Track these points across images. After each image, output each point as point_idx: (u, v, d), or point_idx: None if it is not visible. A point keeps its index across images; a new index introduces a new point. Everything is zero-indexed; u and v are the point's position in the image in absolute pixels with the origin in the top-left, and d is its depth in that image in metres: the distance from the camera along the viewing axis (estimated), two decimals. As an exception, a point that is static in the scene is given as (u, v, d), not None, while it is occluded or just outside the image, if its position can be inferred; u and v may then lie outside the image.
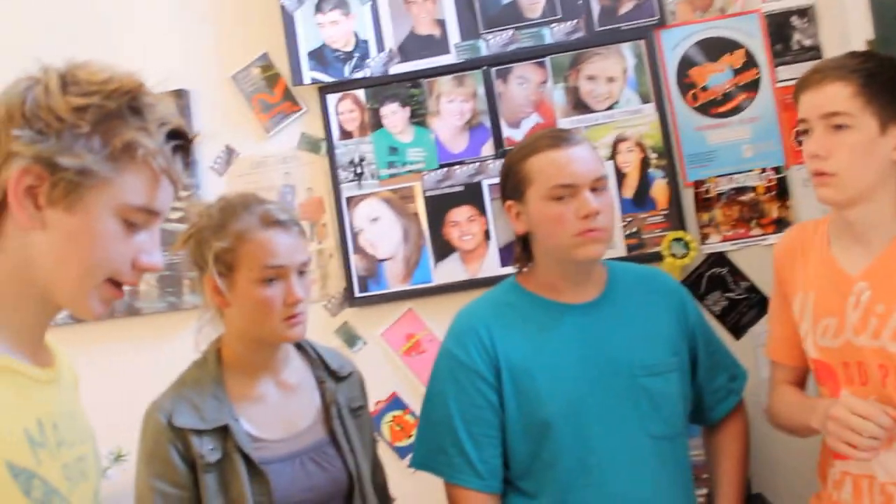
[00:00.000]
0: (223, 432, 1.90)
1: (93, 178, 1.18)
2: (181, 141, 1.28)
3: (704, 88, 2.75)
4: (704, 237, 2.74)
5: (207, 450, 1.88)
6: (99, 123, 1.18)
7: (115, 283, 1.25)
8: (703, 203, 2.74)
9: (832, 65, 1.92)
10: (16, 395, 1.18)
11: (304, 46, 2.89)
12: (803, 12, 2.72)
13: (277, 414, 2.00)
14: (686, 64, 2.76)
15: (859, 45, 2.47)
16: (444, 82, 2.85)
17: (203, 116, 2.96)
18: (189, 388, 1.96)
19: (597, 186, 2.07)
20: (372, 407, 2.32)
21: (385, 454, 2.32)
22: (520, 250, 2.23)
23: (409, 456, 2.75)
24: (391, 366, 2.85)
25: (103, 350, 2.88)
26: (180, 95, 2.93)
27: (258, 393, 2.00)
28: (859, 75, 1.86)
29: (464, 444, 2.10)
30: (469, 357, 2.12)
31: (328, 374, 2.09)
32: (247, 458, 1.89)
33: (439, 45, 2.86)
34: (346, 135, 2.88)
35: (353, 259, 2.85)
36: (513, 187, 2.16)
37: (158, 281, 2.92)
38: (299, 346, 2.12)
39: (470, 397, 2.11)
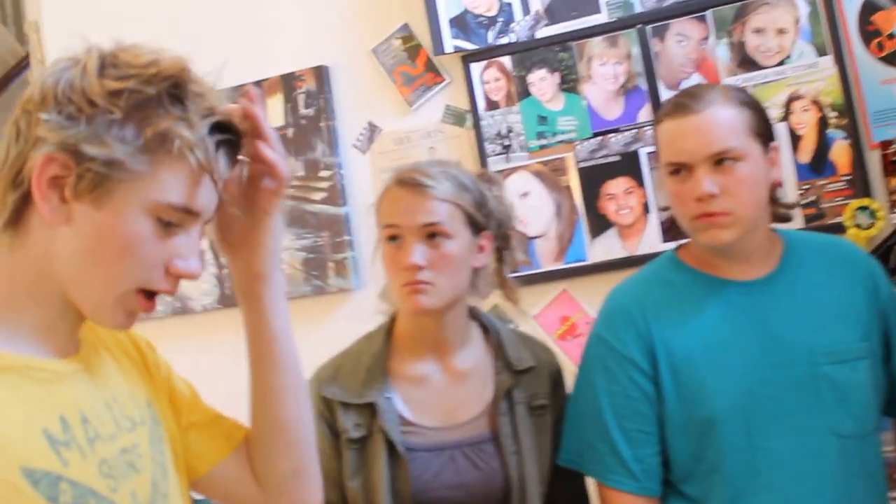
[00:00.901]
0: (372, 409, 1.88)
1: (123, 170, 1.10)
2: (228, 135, 1.18)
3: (891, 36, 2.51)
4: (894, 205, 2.49)
5: (352, 425, 1.88)
6: (133, 110, 1.10)
7: (147, 294, 1.17)
8: (892, 166, 2.49)
9: None
10: (29, 394, 1.11)
11: (445, 14, 2.81)
12: None
13: (439, 400, 1.93)
14: (869, 8, 2.53)
15: None
16: (596, 44, 2.71)
17: (344, 92, 2.95)
18: (350, 360, 1.97)
19: (720, 161, 1.81)
20: (566, 400, 2.13)
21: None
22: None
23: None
24: (545, 351, 2.71)
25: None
26: (320, 72, 2.91)
27: (421, 374, 1.94)
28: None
29: (615, 441, 1.89)
30: (621, 342, 1.91)
31: (505, 364, 1.95)
32: (390, 442, 1.85)
33: (589, 4, 2.73)
34: (492, 105, 2.79)
35: (504, 238, 2.73)
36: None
37: (303, 264, 2.88)
38: (486, 330, 2.02)
39: (622, 388, 1.90)
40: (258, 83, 2.95)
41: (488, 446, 1.89)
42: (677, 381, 1.86)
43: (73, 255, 1.13)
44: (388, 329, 1.98)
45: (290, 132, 2.93)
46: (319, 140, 2.90)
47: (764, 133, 1.86)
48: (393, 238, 1.87)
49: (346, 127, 2.93)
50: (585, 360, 1.99)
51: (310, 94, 2.92)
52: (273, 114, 2.94)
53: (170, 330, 2.83)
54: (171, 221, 1.14)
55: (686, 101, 1.85)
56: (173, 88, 1.12)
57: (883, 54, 2.51)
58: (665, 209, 2.57)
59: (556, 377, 2.02)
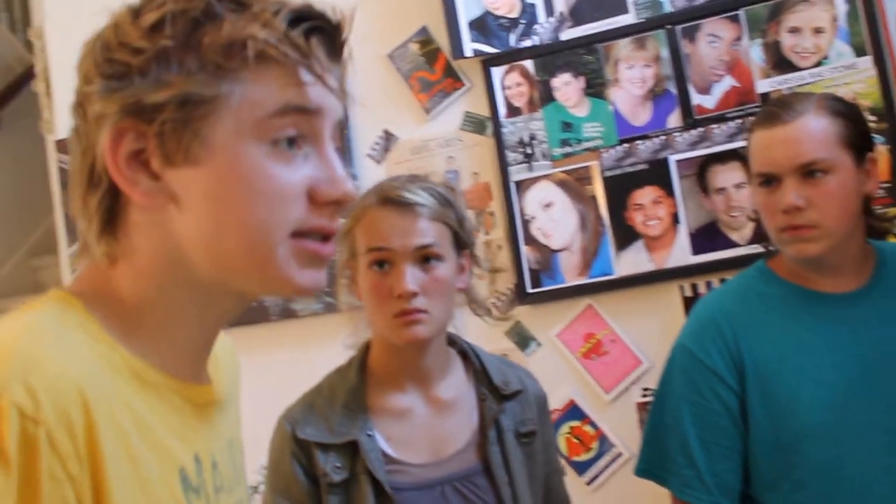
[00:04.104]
0: (353, 449, 1.80)
1: (203, 104, 0.95)
2: (316, 22, 1.00)
3: (934, 35, 2.50)
4: (937, 213, 2.48)
5: (332, 467, 1.79)
6: (186, 34, 0.96)
7: (310, 236, 1.00)
8: (936, 172, 2.48)
9: None
10: (170, 421, 0.99)
11: (465, 16, 2.82)
12: None
13: (424, 433, 1.86)
14: (910, 7, 2.52)
15: None
16: (623, 46, 2.72)
17: (358, 100, 2.94)
18: (323, 397, 1.87)
19: (809, 173, 1.86)
20: (552, 427, 2.17)
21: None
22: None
23: (589, 472, 2.66)
24: (568, 370, 2.73)
25: (254, 356, 2.87)
26: (334, 78, 2.92)
27: (403, 407, 1.87)
28: None
29: (694, 454, 1.94)
30: (708, 355, 1.96)
31: (490, 389, 1.92)
32: (376, 482, 1.78)
33: (616, 4, 2.74)
34: (513, 112, 2.79)
35: (525, 251, 2.75)
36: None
37: (316, 281, 2.90)
38: (464, 356, 1.98)
39: (706, 401, 1.95)
40: (269, 90, 2.97)
41: (479, 479, 1.84)
42: (765, 394, 1.91)
43: (200, 232, 0.98)
44: (362, 361, 1.92)
45: (302, 141, 2.95)
46: (333, 149, 2.92)
47: (859, 144, 1.90)
48: (379, 263, 1.80)
49: (360, 135, 2.94)
50: (668, 371, 2.04)
51: (323, 101, 2.94)
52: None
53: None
54: (287, 136, 0.98)
55: (777, 111, 1.91)
56: None
57: (926, 54, 2.50)
58: (755, 219, 2.55)
59: (542, 403, 2.00)
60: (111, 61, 0.96)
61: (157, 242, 0.98)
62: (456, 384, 1.92)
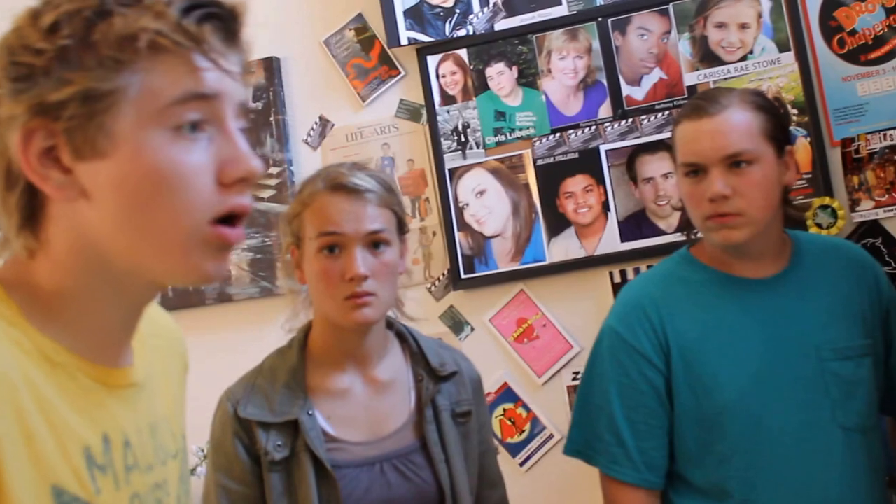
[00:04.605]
0: (293, 428, 1.85)
1: (104, 98, 0.98)
2: (208, 9, 1.03)
3: (852, 32, 2.62)
4: (854, 203, 2.60)
5: (273, 446, 1.84)
6: (82, 33, 0.98)
7: (225, 222, 1.04)
8: (853, 164, 2.60)
9: None
10: (77, 401, 1.02)
11: (400, 4, 2.86)
12: (969, -61, 2.55)
13: (362, 413, 1.93)
14: (831, 5, 2.63)
15: None
16: (556, 37, 2.79)
17: (295, 86, 2.99)
18: (264, 377, 1.92)
19: (734, 163, 1.95)
20: (486, 407, 2.23)
21: (496, 451, 2.30)
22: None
23: (521, 454, 2.75)
24: (501, 354, 2.81)
25: (191, 340, 2.89)
26: (270, 64, 2.96)
27: (342, 387, 1.93)
28: None
29: (621, 432, 2.04)
30: (634, 337, 2.05)
31: (427, 371, 1.99)
32: (316, 460, 1.83)
33: (549, -4, 2.80)
34: (448, 100, 2.85)
35: (458, 237, 2.82)
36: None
37: (250, 265, 2.94)
38: (401, 338, 2.05)
39: (633, 381, 2.05)
40: (205, 75, 2.98)
41: (417, 456, 1.91)
42: (689, 374, 2.01)
43: (110, 222, 1.01)
44: (302, 342, 1.97)
45: (238, 126, 2.97)
46: (269, 135, 2.95)
47: (779, 137, 2.01)
48: (330, 247, 1.85)
49: (296, 121, 2.98)
50: (596, 353, 2.13)
51: (259, 87, 2.96)
52: (220, 107, 2.98)
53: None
54: (189, 121, 1.01)
55: (703, 104, 2.00)
56: None
57: (844, 51, 2.61)
58: (680, 208, 2.63)
59: (477, 385, 2.07)
60: (15, 64, 0.99)
61: (72, 234, 1.02)
62: (394, 365, 1.99)
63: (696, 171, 1.98)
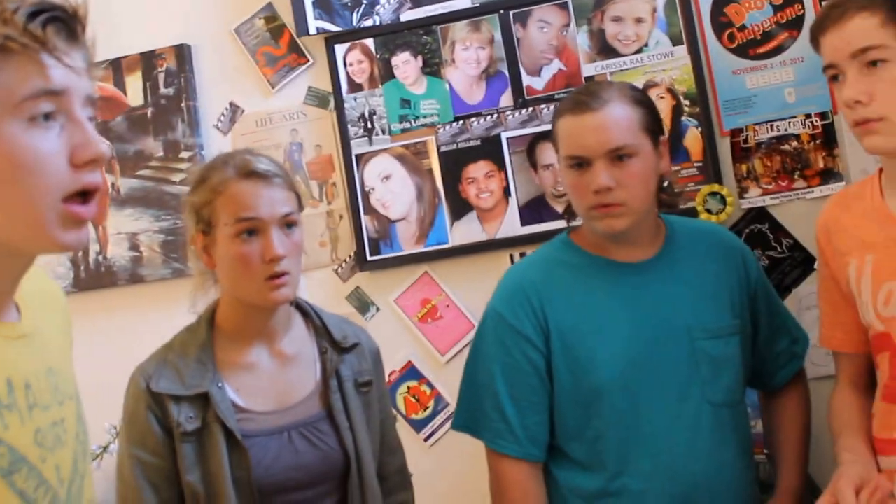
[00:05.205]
0: (204, 400, 1.94)
1: None
2: (52, 13, 1.17)
3: (742, 27, 2.73)
4: (742, 191, 2.72)
5: (186, 418, 1.92)
6: None
7: (79, 198, 1.18)
8: (741, 153, 2.72)
9: None
10: None
11: (310, -6, 2.92)
12: (849, -60, 2.67)
13: (270, 384, 2.02)
14: (722, 1, 2.74)
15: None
16: (459, 28, 2.87)
17: (205, 72, 3.04)
18: (174, 353, 2.01)
19: (617, 156, 2.07)
20: (385, 378, 2.35)
21: (400, 428, 2.36)
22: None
23: (426, 430, 2.83)
24: (406, 333, 2.89)
25: (104, 320, 2.97)
26: (181, 51, 3.01)
27: (249, 361, 2.02)
28: (884, 0, 1.78)
29: (505, 409, 2.15)
30: (516, 319, 2.16)
31: (331, 343, 2.10)
32: (227, 430, 1.92)
33: (454, -12, 2.88)
34: (355, 88, 2.92)
35: (364, 220, 2.89)
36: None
37: (161, 247, 3.00)
38: (304, 314, 2.14)
39: (515, 361, 2.15)
40: (117, 61, 3.04)
41: (323, 424, 2.02)
42: (568, 353, 2.12)
43: None
44: (210, 319, 2.05)
45: (149, 112, 3.02)
46: (180, 120, 3.00)
47: (655, 129, 2.13)
48: (249, 232, 1.93)
49: (207, 107, 3.03)
50: (481, 333, 2.24)
51: (170, 73, 3.01)
52: (132, 93, 3.03)
53: None
54: (42, 112, 1.15)
55: (585, 99, 2.10)
56: None
57: (734, 45, 2.73)
58: (561, 196, 2.74)
59: (376, 356, 2.20)
60: None
61: None
62: (298, 339, 2.09)
63: (580, 163, 2.08)
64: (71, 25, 1.20)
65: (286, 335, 2.08)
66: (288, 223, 1.98)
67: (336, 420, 2.02)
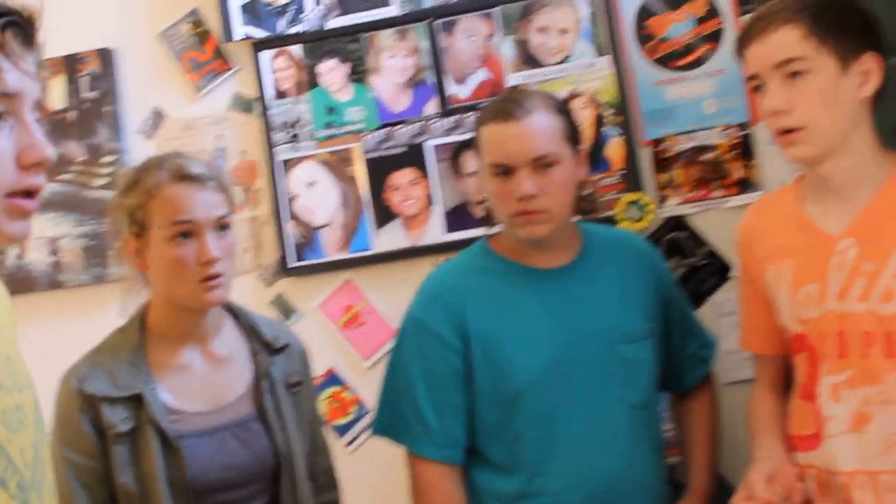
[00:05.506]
0: (137, 402, 1.93)
1: None
2: (8, 18, 1.20)
3: (664, 40, 2.78)
4: (662, 199, 2.76)
5: (119, 419, 1.91)
6: None
7: (23, 195, 1.21)
8: (662, 163, 2.76)
9: (774, 8, 1.88)
10: None
11: (236, 0, 2.92)
12: (767, -44, 2.73)
13: (202, 385, 2.02)
14: (644, 13, 2.79)
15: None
16: (386, 36, 2.88)
17: (130, 77, 3.01)
18: (106, 355, 2.00)
19: (540, 165, 2.10)
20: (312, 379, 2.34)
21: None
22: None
23: (347, 435, 2.83)
24: (329, 339, 2.89)
25: (23, 325, 2.88)
26: (105, 55, 2.99)
27: (181, 362, 2.02)
28: (806, 14, 1.83)
29: (424, 413, 2.17)
30: (435, 323, 2.18)
31: (262, 345, 2.11)
32: (160, 431, 1.92)
33: (380, -3, 2.89)
34: (281, 94, 2.92)
35: (288, 226, 2.89)
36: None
37: (83, 252, 2.97)
38: (235, 315, 2.15)
39: (434, 365, 2.18)
40: (40, 63, 2.99)
41: (255, 425, 2.02)
42: (487, 357, 2.15)
43: None
44: (141, 321, 2.05)
45: (72, 115, 2.99)
46: (102, 124, 2.97)
47: (574, 137, 2.17)
48: (184, 234, 1.93)
49: (130, 112, 3.00)
50: (400, 338, 2.26)
51: (94, 76, 2.99)
52: (55, 96, 3.00)
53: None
54: None
55: (508, 108, 2.13)
56: None
57: (656, 57, 2.77)
58: (482, 202, 2.73)
59: (304, 357, 2.22)
60: None
61: None
62: (229, 340, 2.10)
63: (504, 171, 2.12)
64: (26, 30, 1.22)
65: (217, 336, 2.08)
66: (222, 225, 1.99)
67: (268, 420, 2.03)
